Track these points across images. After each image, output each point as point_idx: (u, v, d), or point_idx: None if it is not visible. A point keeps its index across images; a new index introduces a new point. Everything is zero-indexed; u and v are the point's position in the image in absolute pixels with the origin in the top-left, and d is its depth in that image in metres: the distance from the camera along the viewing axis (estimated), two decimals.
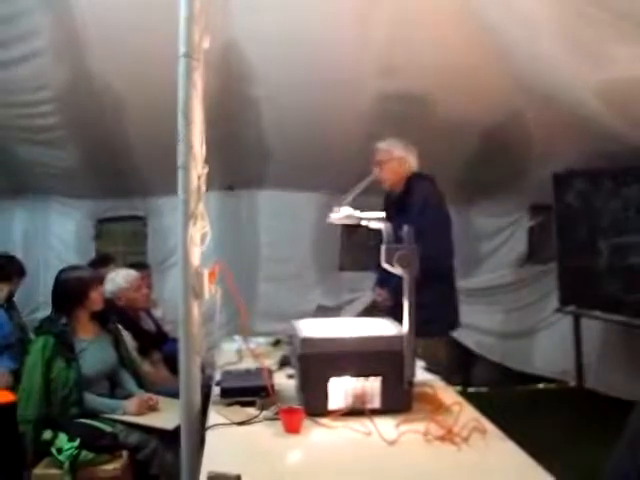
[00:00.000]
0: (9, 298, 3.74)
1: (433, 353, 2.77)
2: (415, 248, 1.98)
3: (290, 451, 1.70)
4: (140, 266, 3.99)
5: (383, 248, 1.98)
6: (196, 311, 1.99)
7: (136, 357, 3.22)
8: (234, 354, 2.73)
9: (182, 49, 1.93)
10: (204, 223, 2.00)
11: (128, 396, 2.80)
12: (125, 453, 2.55)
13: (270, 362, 2.51)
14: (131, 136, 4.00)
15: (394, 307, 2.77)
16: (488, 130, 3.98)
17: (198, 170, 1.97)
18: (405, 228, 2.00)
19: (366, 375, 1.92)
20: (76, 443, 2.44)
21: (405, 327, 1.96)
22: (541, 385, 5.06)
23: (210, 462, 1.58)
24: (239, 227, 4.73)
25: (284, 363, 2.52)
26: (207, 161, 2.01)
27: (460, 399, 2.07)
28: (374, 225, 2.15)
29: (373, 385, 1.93)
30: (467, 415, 1.88)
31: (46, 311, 3.18)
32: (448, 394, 2.14)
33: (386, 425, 1.82)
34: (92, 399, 2.66)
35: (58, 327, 2.69)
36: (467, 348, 4.92)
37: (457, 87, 3.50)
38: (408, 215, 2.92)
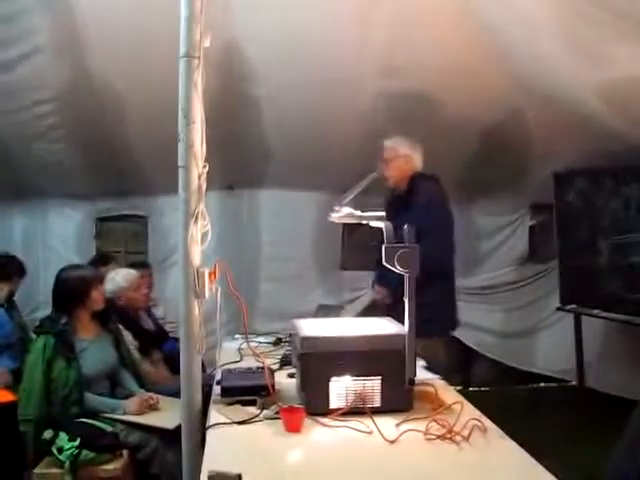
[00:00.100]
0: (9, 297, 3.74)
1: (433, 353, 2.77)
2: (416, 247, 1.97)
3: (291, 450, 1.70)
4: (141, 265, 3.99)
5: (384, 247, 1.98)
6: (197, 310, 1.99)
7: (136, 356, 3.22)
8: (235, 353, 2.73)
9: (182, 48, 1.93)
10: (205, 222, 2.00)
11: (128, 396, 2.80)
12: (126, 452, 2.56)
13: (271, 361, 2.51)
14: (131, 135, 4.00)
15: (393, 305, 2.78)
16: (488, 129, 3.98)
17: (199, 169, 1.96)
18: (406, 227, 1.99)
19: (367, 374, 1.92)
20: (77, 442, 2.44)
21: (406, 326, 1.96)
22: (542, 384, 5.06)
23: (211, 461, 1.57)
24: (240, 226, 4.72)
25: (285, 362, 2.52)
26: (208, 160, 2.00)
27: (461, 398, 2.06)
28: (375, 224, 2.15)
29: (374, 384, 1.92)
30: (468, 414, 1.87)
31: (46, 310, 3.19)
32: (449, 393, 2.14)
33: (387, 424, 1.82)
34: (93, 399, 2.66)
35: (58, 327, 2.69)
36: (467, 347, 4.92)
37: (457, 87, 3.51)
38: (411, 214, 2.91)
